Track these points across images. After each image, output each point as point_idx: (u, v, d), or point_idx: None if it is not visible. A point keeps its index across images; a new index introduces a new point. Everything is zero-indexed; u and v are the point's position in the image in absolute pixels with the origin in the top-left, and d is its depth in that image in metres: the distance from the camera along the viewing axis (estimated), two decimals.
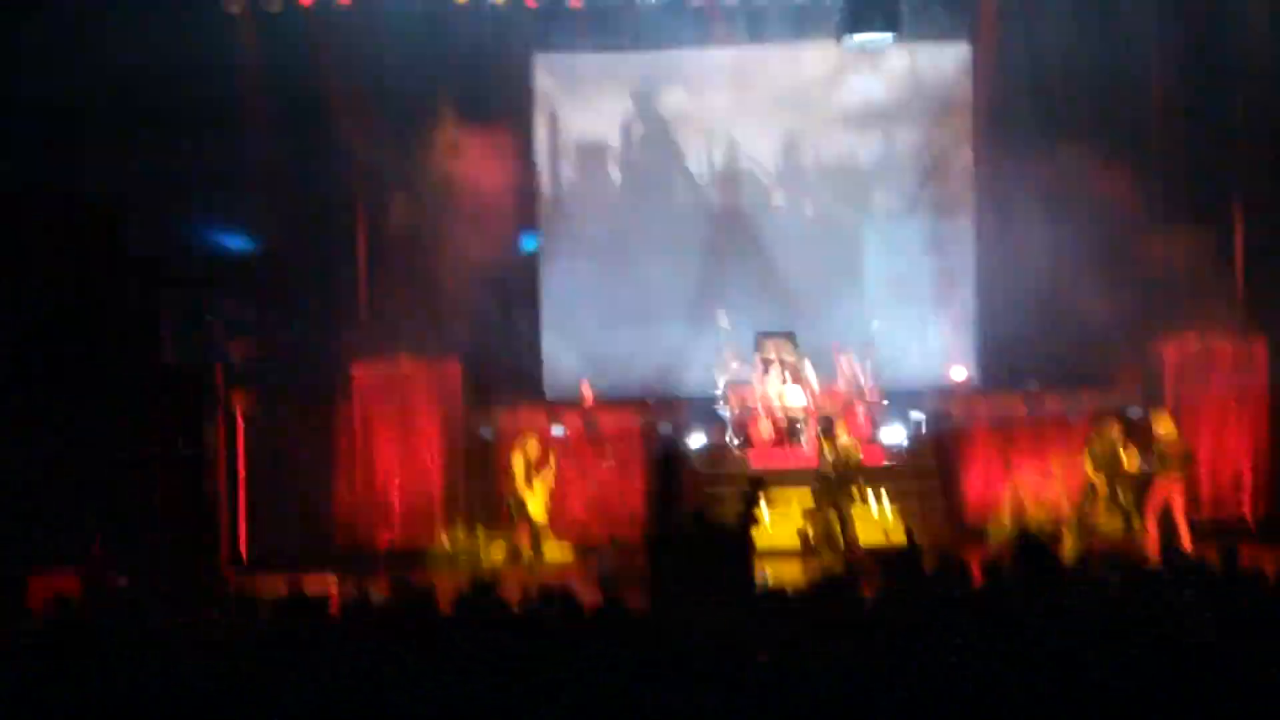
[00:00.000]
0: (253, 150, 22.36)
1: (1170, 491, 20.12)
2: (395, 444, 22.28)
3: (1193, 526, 20.65)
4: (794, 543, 21.21)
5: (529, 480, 21.22)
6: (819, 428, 21.20)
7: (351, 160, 22.82)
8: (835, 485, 20.38)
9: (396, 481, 22.20)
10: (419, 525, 22.17)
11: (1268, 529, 21.42)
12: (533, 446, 21.40)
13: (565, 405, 23.28)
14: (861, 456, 20.74)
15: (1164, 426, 20.48)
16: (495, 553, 21.11)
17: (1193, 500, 21.95)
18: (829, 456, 20.49)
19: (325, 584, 17.91)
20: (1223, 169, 22.95)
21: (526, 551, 21.07)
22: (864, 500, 20.54)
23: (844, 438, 20.67)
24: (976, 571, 13.32)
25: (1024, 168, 23.96)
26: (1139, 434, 21.21)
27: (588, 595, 13.94)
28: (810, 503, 20.70)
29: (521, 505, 21.21)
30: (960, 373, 22.60)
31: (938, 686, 9.13)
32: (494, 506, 22.34)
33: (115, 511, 18.76)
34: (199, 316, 19.05)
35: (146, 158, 20.87)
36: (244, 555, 19.77)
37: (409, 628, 11.78)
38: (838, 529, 20.28)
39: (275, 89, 22.64)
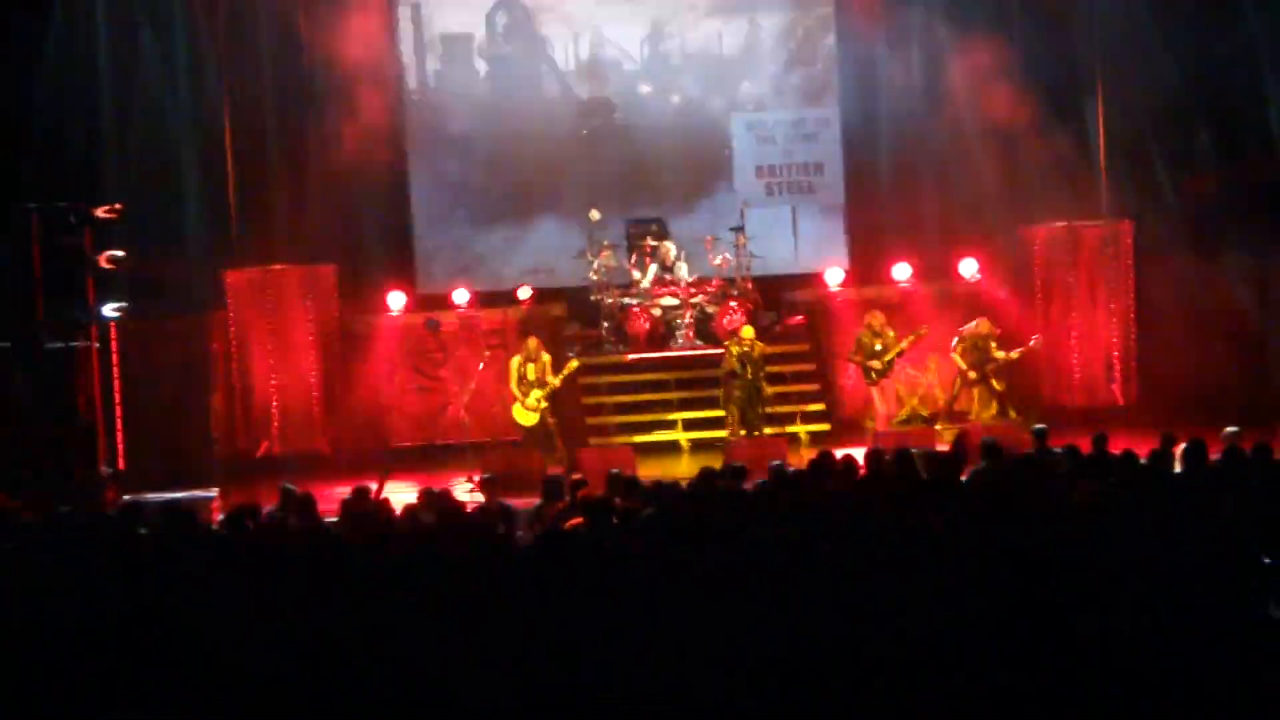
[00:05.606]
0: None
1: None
2: (271, 350, 21.99)
3: (1064, 413, 21.14)
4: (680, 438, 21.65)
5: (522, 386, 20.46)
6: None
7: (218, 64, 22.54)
8: (745, 381, 20.54)
9: (274, 388, 21.99)
10: (299, 432, 22.03)
11: (1138, 413, 21.65)
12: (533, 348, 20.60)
13: (441, 302, 23.18)
14: (764, 348, 20.85)
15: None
16: None
17: (1065, 387, 22.32)
18: (735, 351, 20.58)
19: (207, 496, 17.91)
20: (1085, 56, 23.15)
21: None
22: (767, 394, 20.67)
23: (747, 332, 20.77)
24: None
25: (889, 54, 24.08)
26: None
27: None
28: (722, 400, 20.96)
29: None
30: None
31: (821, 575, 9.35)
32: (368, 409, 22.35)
33: None
34: (68, 226, 18.57)
35: None
36: (121, 467, 19.49)
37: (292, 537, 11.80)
38: (748, 424, 20.56)
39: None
